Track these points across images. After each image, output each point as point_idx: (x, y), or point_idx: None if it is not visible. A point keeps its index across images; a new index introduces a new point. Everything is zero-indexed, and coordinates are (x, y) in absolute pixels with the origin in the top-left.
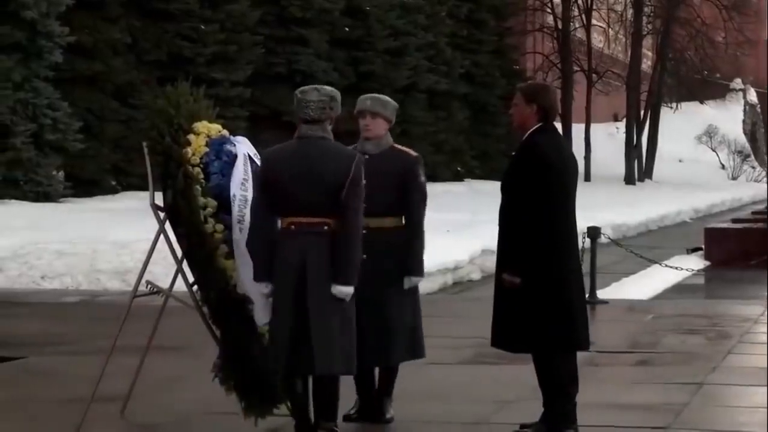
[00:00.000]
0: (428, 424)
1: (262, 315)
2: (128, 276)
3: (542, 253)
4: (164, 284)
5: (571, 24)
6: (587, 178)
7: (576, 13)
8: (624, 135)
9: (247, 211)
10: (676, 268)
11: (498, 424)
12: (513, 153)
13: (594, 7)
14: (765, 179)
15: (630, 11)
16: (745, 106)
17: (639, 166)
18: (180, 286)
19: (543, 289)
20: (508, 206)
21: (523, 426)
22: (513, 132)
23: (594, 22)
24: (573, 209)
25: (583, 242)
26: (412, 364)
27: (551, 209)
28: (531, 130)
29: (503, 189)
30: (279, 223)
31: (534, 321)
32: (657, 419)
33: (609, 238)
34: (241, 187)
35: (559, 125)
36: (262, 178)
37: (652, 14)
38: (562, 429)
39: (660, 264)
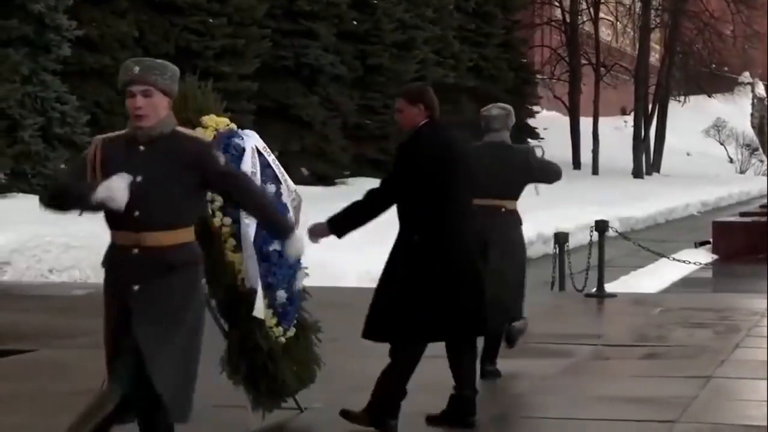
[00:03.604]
0: None
1: (260, 307)
2: None
3: (415, 246)
4: None
5: (579, 17)
6: (595, 171)
7: (584, 6)
8: (632, 128)
9: None
10: (684, 261)
11: (511, 416)
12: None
13: (602, 0)
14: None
15: (638, 4)
16: (753, 99)
17: (647, 159)
18: None
19: (404, 280)
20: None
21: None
22: (521, 125)
23: (602, 15)
24: (463, 202)
25: (591, 236)
26: None
27: (429, 202)
28: (418, 126)
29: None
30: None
31: (396, 311)
32: (665, 413)
33: (617, 231)
34: None
35: (567, 118)
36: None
37: (660, 7)
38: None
39: (668, 257)
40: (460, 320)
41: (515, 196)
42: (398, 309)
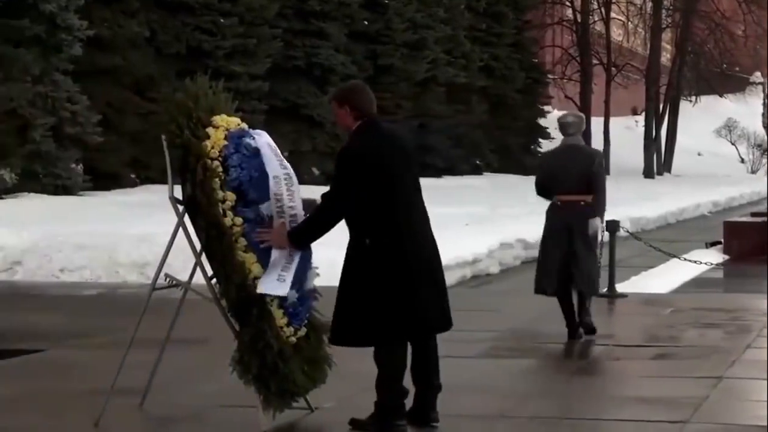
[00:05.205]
0: (457, 418)
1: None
2: (147, 269)
3: (366, 250)
4: (183, 277)
5: (590, 17)
6: (606, 171)
7: (595, 6)
8: (643, 128)
9: (295, 188)
10: (695, 261)
11: (522, 417)
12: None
13: (613, 0)
14: None
15: (649, 4)
16: (764, 99)
17: (658, 159)
18: (199, 279)
19: (362, 285)
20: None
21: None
22: (532, 125)
23: (613, 15)
24: (411, 200)
25: (602, 235)
26: None
27: (373, 204)
28: (352, 131)
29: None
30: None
31: (358, 316)
32: (676, 413)
33: (628, 231)
34: (281, 165)
35: None
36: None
37: (671, 7)
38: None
39: (679, 258)
40: (421, 319)
41: (591, 191)
42: (360, 314)
